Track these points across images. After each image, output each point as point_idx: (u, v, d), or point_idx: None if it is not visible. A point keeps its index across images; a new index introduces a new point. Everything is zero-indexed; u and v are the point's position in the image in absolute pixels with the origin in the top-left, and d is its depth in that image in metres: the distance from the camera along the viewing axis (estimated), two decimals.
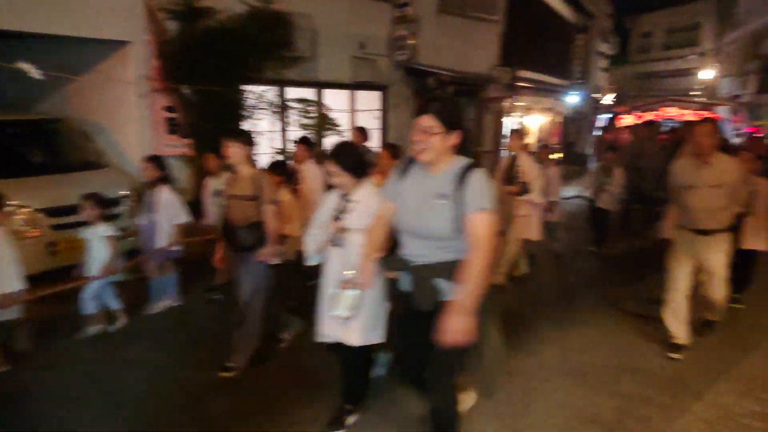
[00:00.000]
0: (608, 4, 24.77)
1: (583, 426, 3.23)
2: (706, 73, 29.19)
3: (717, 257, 4.01)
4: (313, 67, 8.23)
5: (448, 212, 2.32)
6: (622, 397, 3.57)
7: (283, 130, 8.10)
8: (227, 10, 6.56)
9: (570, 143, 19.06)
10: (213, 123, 6.25)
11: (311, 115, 7.74)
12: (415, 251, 2.47)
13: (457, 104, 2.56)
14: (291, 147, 7.72)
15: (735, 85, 25.37)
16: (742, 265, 4.91)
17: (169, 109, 6.62)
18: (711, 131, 3.90)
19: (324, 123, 8.00)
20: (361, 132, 6.87)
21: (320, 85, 8.57)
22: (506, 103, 12.65)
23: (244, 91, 6.90)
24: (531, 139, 15.91)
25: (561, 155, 16.86)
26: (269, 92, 7.21)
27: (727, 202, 3.91)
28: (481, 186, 2.29)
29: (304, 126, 7.61)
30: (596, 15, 21.31)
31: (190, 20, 6.45)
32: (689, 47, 32.93)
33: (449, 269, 2.37)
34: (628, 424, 3.26)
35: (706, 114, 11.20)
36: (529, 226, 5.83)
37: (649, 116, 12.31)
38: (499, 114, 13.02)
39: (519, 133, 5.92)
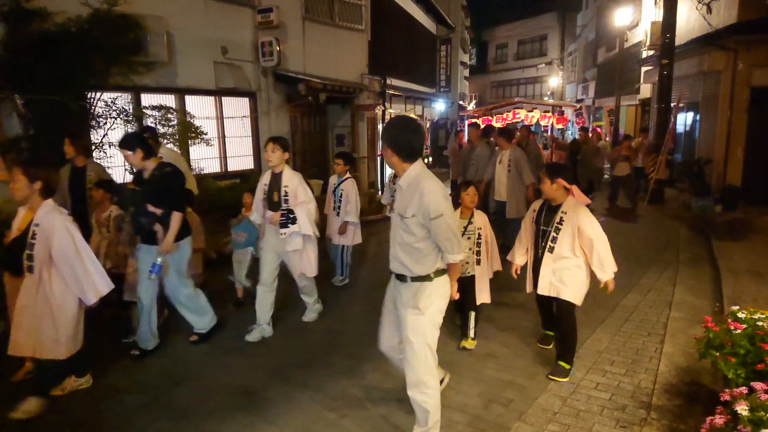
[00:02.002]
0: (466, 17, 26.49)
1: (453, 414, 3.34)
2: (554, 80, 32.26)
3: (411, 320, 2.80)
4: (171, 72, 7.77)
5: None
6: (486, 383, 3.76)
7: None
8: (65, 12, 5.96)
9: (441, 147, 20.04)
10: (50, 136, 5.62)
11: (172, 123, 7.29)
12: None
13: None
14: None
15: (578, 91, 28.39)
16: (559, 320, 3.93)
17: None
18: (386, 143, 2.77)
19: (187, 131, 7.58)
20: (72, 140, 5.17)
21: (181, 91, 8.10)
22: (378, 111, 12.96)
23: (90, 99, 6.30)
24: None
25: (430, 159, 17.69)
26: (120, 99, 6.65)
27: (413, 241, 2.74)
28: None
29: (163, 135, 7.12)
30: (456, 27, 22.67)
31: (20, 22, 5.76)
32: (538, 57, 36.34)
33: None
34: (494, 408, 3.43)
35: (551, 116, 12.07)
36: (302, 262, 4.64)
37: (498, 120, 13.01)
38: (374, 121, 13.31)
39: (284, 142, 4.51)
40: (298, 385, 3.81)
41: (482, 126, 9.91)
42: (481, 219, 4.30)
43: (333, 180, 6.12)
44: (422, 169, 2.77)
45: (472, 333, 4.36)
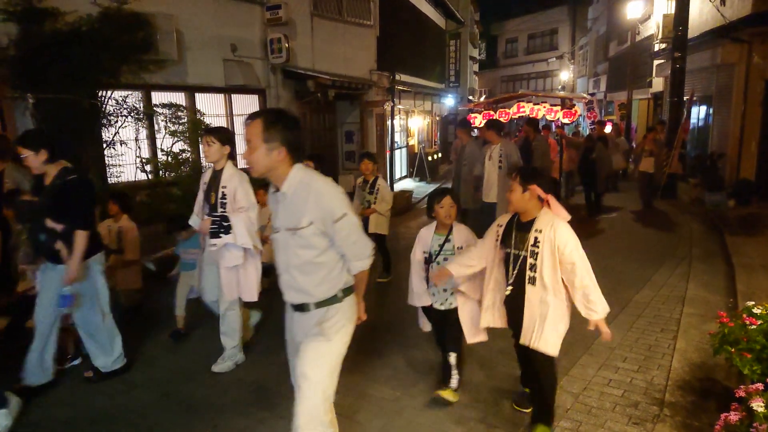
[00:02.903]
0: (476, 11, 26.34)
1: (464, 410, 3.35)
2: (565, 74, 32.01)
3: (312, 349, 2.32)
4: (181, 70, 7.80)
5: None
6: (498, 378, 3.76)
7: (152, 138, 7.58)
8: (76, 11, 6.01)
9: (450, 143, 20.00)
10: (62, 135, 5.68)
11: (182, 120, 7.33)
12: None
13: None
14: (161, 156, 7.29)
15: (589, 85, 28.16)
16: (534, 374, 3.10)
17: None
18: (254, 133, 2.23)
19: (197, 129, 7.61)
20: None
21: (191, 89, 8.14)
22: (387, 107, 12.94)
23: (101, 97, 6.36)
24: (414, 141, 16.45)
25: (440, 154, 17.65)
26: (131, 98, 6.70)
27: (313, 256, 2.30)
28: None
29: (173, 133, 7.17)
30: (465, 22, 22.56)
31: (32, 22, 5.82)
32: (549, 51, 36.09)
33: None
34: (505, 404, 3.42)
35: (559, 110, 11.60)
36: (239, 283, 3.84)
37: (501, 115, 12.57)
38: (383, 117, 13.30)
39: (222, 134, 3.80)
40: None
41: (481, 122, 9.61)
42: (461, 236, 3.44)
43: None
44: (306, 169, 2.33)
45: (454, 382, 3.48)
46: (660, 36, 14.07)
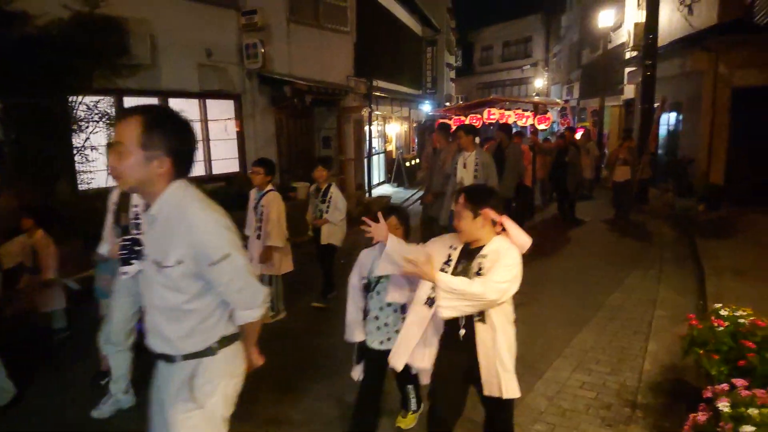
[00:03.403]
0: (452, 19, 26.61)
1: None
2: (540, 82, 32.49)
3: (181, 421, 1.83)
4: (154, 75, 7.70)
5: None
6: None
7: None
8: (47, 14, 5.89)
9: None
10: (31, 141, 5.55)
11: None
12: None
13: None
14: None
15: (563, 92, 28.62)
16: None
17: None
18: (129, 135, 1.71)
19: None
20: None
21: (164, 94, 8.04)
22: (365, 112, 12.96)
23: (72, 102, 6.23)
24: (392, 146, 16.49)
25: (418, 160, 17.73)
26: (103, 103, 6.58)
27: (182, 301, 1.81)
28: None
29: None
30: (442, 29, 22.77)
31: (0, 26, 5.68)
32: (524, 59, 36.63)
33: None
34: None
35: (529, 116, 11.54)
36: None
37: (472, 120, 12.54)
38: (360, 123, 13.32)
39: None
40: (285, 387, 3.78)
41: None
42: None
43: (252, 194, 5.00)
44: (186, 188, 1.84)
45: (413, 405, 3.25)
46: (631, 44, 14.37)
